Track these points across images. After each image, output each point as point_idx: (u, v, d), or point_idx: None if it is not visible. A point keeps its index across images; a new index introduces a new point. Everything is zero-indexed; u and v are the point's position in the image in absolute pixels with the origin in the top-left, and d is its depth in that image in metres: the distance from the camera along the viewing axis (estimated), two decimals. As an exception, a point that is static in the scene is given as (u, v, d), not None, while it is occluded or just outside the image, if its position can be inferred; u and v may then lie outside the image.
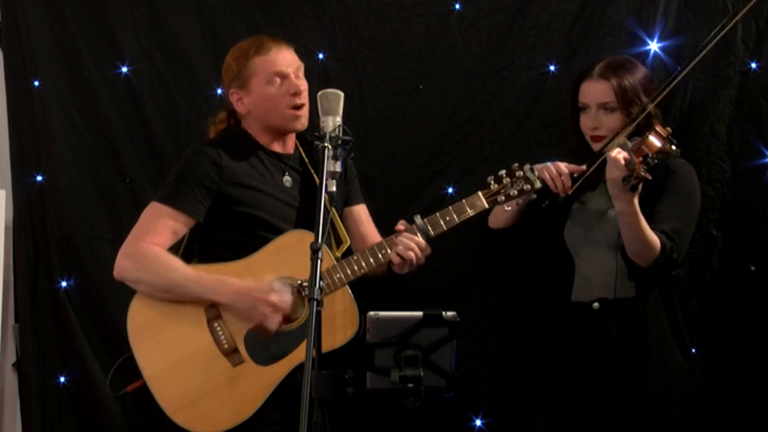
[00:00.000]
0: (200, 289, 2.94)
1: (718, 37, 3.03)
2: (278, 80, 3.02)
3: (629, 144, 2.86)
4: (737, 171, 3.32)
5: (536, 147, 3.49)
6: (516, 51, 3.53)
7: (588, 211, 3.11)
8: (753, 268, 3.33)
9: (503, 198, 2.96)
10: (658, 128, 2.88)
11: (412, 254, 2.92)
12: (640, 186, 2.77)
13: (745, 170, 3.31)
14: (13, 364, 3.79)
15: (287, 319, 2.94)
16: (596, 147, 3.07)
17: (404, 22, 3.60)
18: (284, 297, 2.89)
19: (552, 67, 3.50)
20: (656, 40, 3.38)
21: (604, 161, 2.92)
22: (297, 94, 3.02)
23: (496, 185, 2.96)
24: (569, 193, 3.02)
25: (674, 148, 2.84)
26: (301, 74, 3.09)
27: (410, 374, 2.42)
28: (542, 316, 3.37)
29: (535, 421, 3.38)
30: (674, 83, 3.01)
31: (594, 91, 3.06)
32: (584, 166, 3.02)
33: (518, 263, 3.45)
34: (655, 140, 2.82)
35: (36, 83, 3.73)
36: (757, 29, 3.34)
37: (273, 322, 2.89)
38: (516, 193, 2.95)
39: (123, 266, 3.00)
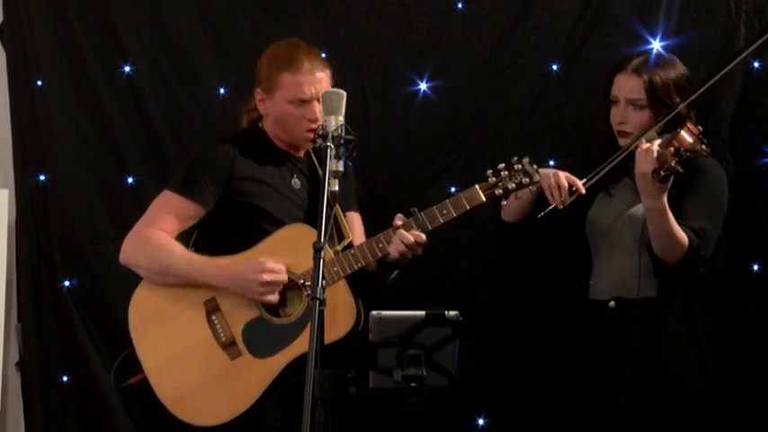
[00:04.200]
0: (195, 271, 2.97)
1: (757, 43, 3.02)
2: (300, 104, 3.03)
3: (659, 139, 2.84)
4: (740, 170, 3.31)
5: (539, 146, 3.48)
6: (519, 50, 3.52)
7: (613, 203, 3.07)
8: (756, 268, 3.33)
9: (500, 192, 2.94)
10: (690, 125, 2.87)
11: (406, 249, 2.91)
12: (670, 181, 2.74)
13: (748, 169, 3.30)
14: (17, 364, 3.79)
15: (282, 299, 2.95)
16: (622, 142, 3.03)
17: (406, 21, 3.60)
18: (277, 273, 2.91)
19: (555, 67, 3.49)
20: (658, 39, 3.37)
21: (629, 156, 2.92)
22: (313, 121, 3.03)
23: (495, 178, 2.94)
24: (566, 205, 2.98)
25: (703, 147, 2.83)
26: None
27: (413, 374, 2.42)
28: (547, 314, 3.38)
29: (538, 421, 3.39)
30: (706, 86, 3.00)
31: (626, 86, 3.01)
32: (583, 180, 2.99)
33: (522, 261, 3.44)
34: (686, 136, 2.80)
35: (39, 82, 3.74)
36: (760, 28, 3.33)
37: (272, 298, 2.93)
38: (514, 186, 2.93)
39: (126, 251, 3.06)
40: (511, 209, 3.18)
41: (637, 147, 2.93)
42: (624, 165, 3.00)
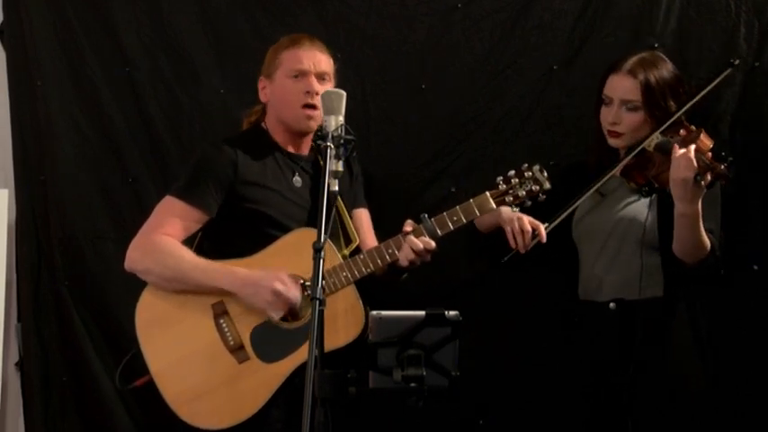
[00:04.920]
0: (206, 277, 2.95)
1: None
2: (298, 76, 3.04)
3: (671, 141, 2.82)
4: (741, 170, 3.30)
5: (539, 146, 3.48)
6: (519, 50, 3.52)
7: (607, 204, 3.06)
8: (756, 267, 3.33)
9: (511, 199, 2.93)
10: (692, 127, 2.88)
11: (416, 256, 2.91)
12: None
13: (748, 169, 3.30)
14: (16, 364, 3.79)
15: (293, 313, 2.94)
16: (612, 142, 3.04)
17: (406, 20, 3.59)
18: (290, 289, 2.90)
19: (555, 67, 3.49)
20: (658, 39, 3.38)
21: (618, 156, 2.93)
22: (309, 93, 3.03)
23: (505, 186, 2.93)
24: (528, 250, 2.99)
25: None
26: (328, 79, 3.09)
27: (413, 374, 2.42)
28: (547, 315, 3.37)
29: (538, 421, 3.38)
30: (703, 92, 3.00)
31: (620, 87, 3.00)
32: (545, 224, 2.99)
33: (522, 261, 3.43)
34: (705, 139, 2.80)
35: (39, 82, 3.73)
36: (760, 28, 3.33)
37: (276, 311, 2.91)
38: (525, 194, 2.92)
39: (133, 258, 3.03)
40: (482, 223, 3.19)
41: (635, 148, 2.94)
42: (614, 164, 2.99)
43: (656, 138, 2.94)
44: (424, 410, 2.47)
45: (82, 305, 3.71)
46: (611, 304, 2.99)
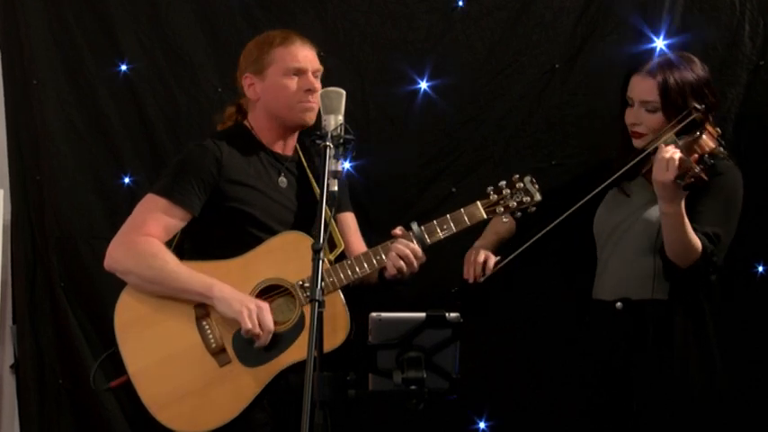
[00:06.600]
0: (190, 286, 2.90)
1: None
2: (295, 75, 3.01)
3: (680, 142, 2.79)
4: (744, 170, 3.27)
5: (540, 145, 3.47)
6: (520, 49, 3.50)
7: (629, 203, 3.03)
8: (760, 269, 3.31)
9: (501, 209, 2.91)
10: (709, 128, 2.84)
11: (403, 263, 2.88)
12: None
13: (752, 169, 3.27)
14: (11, 366, 3.77)
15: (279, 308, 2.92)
16: (635, 143, 3.00)
17: (406, 19, 3.57)
18: (259, 322, 2.84)
19: (557, 65, 3.47)
20: (662, 38, 3.35)
21: (645, 158, 2.89)
22: (311, 91, 2.99)
23: (496, 196, 2.92)
24: (479, 281, 3.03)
25: (722, 149, 2.79)
26: (318, 76, 3.07)
27: (413, 376, 2.40)
28: (549, 316, 3.35)
29: (540, 423, 3.36)
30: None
31: (639, 87, 2.98)
32: (497, 258, 3.04)
33: (523, 262, 3.41)
34: (708, 140, 2.77)
35: (35, 81, 3.71)
36: (765, 26, 3.31)
37: (246, 323, 2.83)
38: (515, 204, 2.91)
39: (114, 257, 2.96)
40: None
41: (646, 149, 2.91)
42: (638, 164, 2.96)
43: (669, 139, 2.90)
44: (425, 413, 2.45)
45: (78, 306, 3.69)
46: (618, 304, 2.97)
